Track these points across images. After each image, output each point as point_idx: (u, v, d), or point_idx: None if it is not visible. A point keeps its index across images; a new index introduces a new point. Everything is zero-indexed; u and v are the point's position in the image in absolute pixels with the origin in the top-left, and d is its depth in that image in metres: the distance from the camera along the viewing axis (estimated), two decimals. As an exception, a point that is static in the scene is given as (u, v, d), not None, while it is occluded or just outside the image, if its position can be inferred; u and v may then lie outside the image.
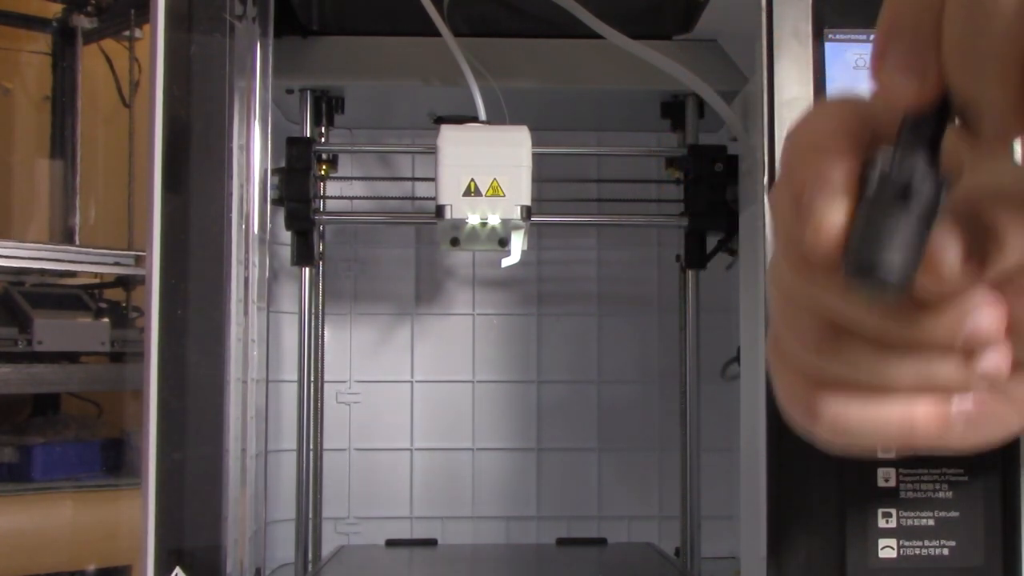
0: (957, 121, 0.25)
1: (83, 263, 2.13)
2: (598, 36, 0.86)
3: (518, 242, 0.85)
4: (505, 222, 0.82)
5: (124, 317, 2.25)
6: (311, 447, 0.94)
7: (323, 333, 1.00)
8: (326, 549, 1.00)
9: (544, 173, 0.93)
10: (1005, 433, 0.30)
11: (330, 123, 0.96)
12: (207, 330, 0.72)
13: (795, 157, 0.27)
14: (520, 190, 0.82)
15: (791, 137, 0.28)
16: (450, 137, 0.82)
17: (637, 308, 1.08)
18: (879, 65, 0.25)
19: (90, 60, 2.45)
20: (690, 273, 0.94)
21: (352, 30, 0.93)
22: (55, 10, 2.42)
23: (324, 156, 0.93)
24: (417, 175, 1.06)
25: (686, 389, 0.94)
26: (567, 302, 1.09)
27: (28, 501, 1.97)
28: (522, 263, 0.88)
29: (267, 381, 0.80)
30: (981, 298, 0.26)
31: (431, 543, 1.05)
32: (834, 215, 0.25)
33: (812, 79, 0.69)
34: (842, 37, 0.70)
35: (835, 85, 0.69)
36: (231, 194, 0.74)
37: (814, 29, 0.69)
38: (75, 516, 1.96)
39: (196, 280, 0.72)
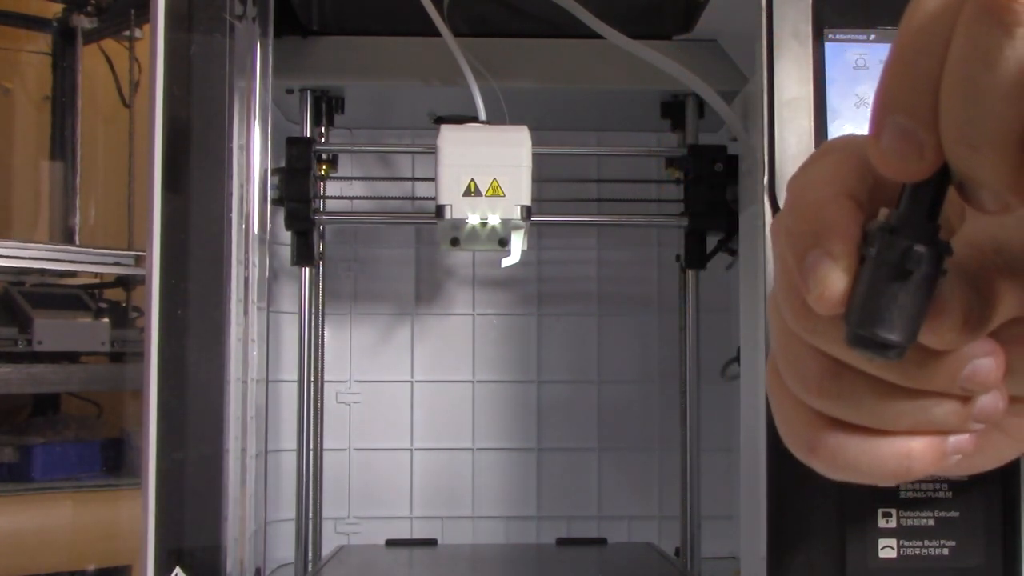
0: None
1: (83, 263, 2.14)
2: (598, 36, 0.86)
3: (518, 242, 0.85)
4: (505, 222, 0.82)
5: (124, 317, 2.25)
6: (311, 447, 0.94)
7: (323, 333, 1.00)
8: (326, 549, 1.00)
9: (544, 173, 0.93)
10: (1000, 462, 0.30)
11: (330, 123, 0.96)
12: (207, 330, 0.72)
13: (797, 212, 0.28)
14: (520, 190, 0.82)
15: (793, 187, 0.29)
16: (450, 137, 0.82)
17: (637, 308, 1.08)
18: (876, 139, 0.25)
19: (90, 60, 2.45)
20: (690, 273, 0.94)
21: (352, 30, 0.93)
22: (55, 10, 2.42)
23: (324, 156, 0.93)
24: (417, 175, 1.06)
25: (686, 389, 0.94)
26: (567, 302, 1.09)
27: (28, 501, 1.97)
28: (522, 263, 0.88)
29: (267, 381, 0.80)
30: (980, 347, 0.27)
31: (431, 543, 1.05)
32: (835, 282, 0.26)
33: (812, 79, 0.69)
34: (842, 37, 0.70)
35: (835, 85, 0.69)
36: (231, 194, 0.74)
37: (814, 29, 0.69)
38: (75, 516, 1.96)
39: (196, 280, 0.73)
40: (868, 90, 0.69)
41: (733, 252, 0.91)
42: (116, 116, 2.49)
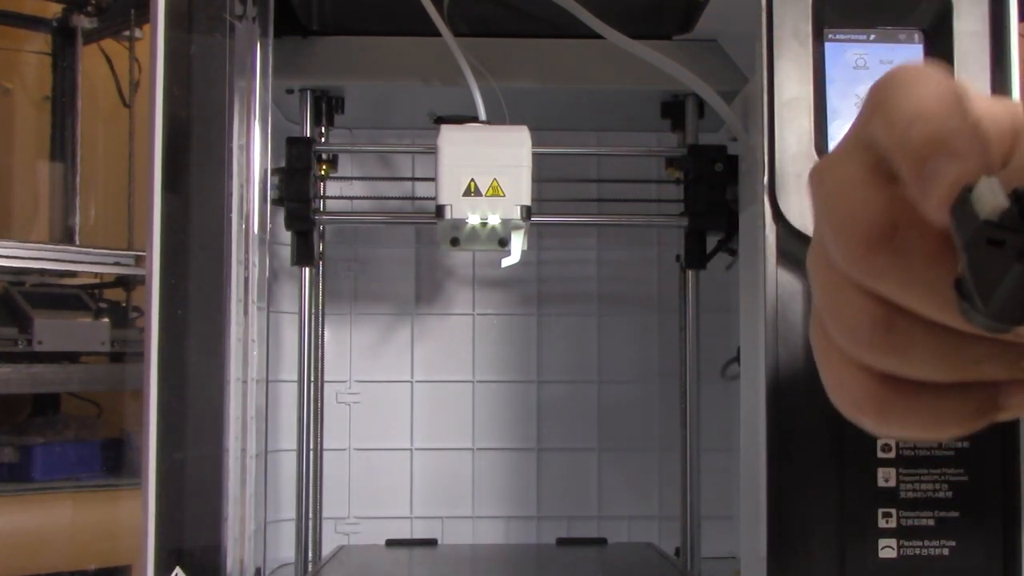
0: None
1: (83, 263, 2.14)
2: (598, 36, 0.86)
3: (518, 242, 0.85)
4: (505, 222, 0.82)
5: (124, 317, 2.25)
6: (311, 447, 0.94)
7: (323, 333, 1.00)
8: (326, 549, 1.00)
9: (544, 173, 0.93)
10: None
11: (330, 123, 0.96)
12: (207, 330, 0.72)
13: (913, 119, 0.26)
14: (520, 190, 0.82)
15: (897, 95, 0.27)
16: (450, 137, 0.82)
17: (637, 308, 1.08)
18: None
19: (90, 60, 2.45)
20: (690, 273, 0.94)
21: (352, 30, 0.93)
22: (55, 10, 2.42)
23: (324, 156, 0.93)
24: (417, 175, 1.06)
25: (686, 389, 0.94)
26: (567, 302, 1.09)
27: (28, 501, 1.97)
28: (522, 263, 0.88)
29: (267, 381, 0.80)
30: None
31: (431, 543, 1.05)
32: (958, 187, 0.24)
33: (812, 79, 0.69)
34: (842, 37, 0.70)
35: (835, 85, 0.69)
36: (231, 194, 0.74)
37: (814, 29, 0.69)
38: (75, 516, 1.96)
39: (196, 280, 0.73)
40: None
41: (733, 252, 0.91)
42: (116, 116, 2.49)
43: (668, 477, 1.06)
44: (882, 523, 0.67)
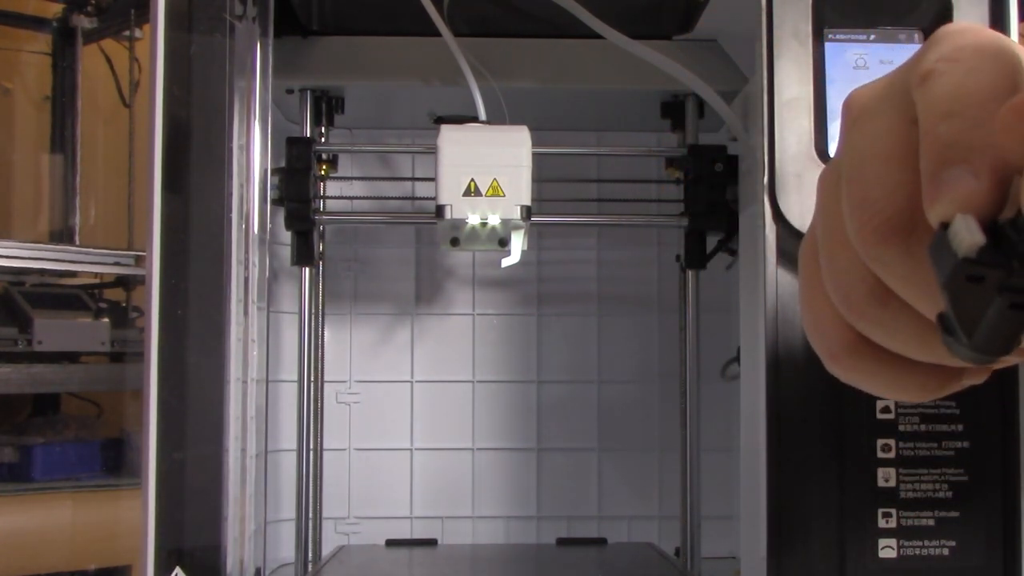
0: None
1: (83, 263, 2.14)
2: (598, 36, 0.86)
3: (518, 242, 0.85)
4: (505, 222, 0.82)
5: (124, 317, 2.25)
6: (311, 447, 0.94)
7: (323, 333, 1.00)
8: (326, 549, 1.00)
9: (544, 173, 0.93)
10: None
11: (330, 123, 0.96)
12: (207, 330, 0.72)
13: (954, 115, 0.25)
14: (520, 190, 0.82)
15: (950, 83, 0.26)
16: (450, 137, 0.82)
17: (637, 308, 1.08)
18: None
19: (90, 60, 2.45)
20: (690, 273, 0.94)
21: (352, 30, 0.93)
22: (55, 10, 2.42)
23: (324, 156, 0.93)
24: (417, 175, 1.06)
25: (686, 389, 0.94)
26: (567, 302, 1.09)
27: (28, 501, 1.97)
28: (522, 263, 0.88)
29: (267, 381, 0.80)
30: None
31: (431, 543, 1.05)
32: (971, 204, 0.24)
33: (812, 79, 0.69)
34: (842, 37, 0.70)
35: (835, 85, 0.69)
36: (231, 194, 0.74)
37: (814, 29, 0.69)
38: (75, 516, 1.96)
39: (196, 280, 0.73)
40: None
41: (733, 252, 0.91)
42: (116, 116, 2.49)
43: (668, 477, 1.06)
44: (882, 523, 0.67)
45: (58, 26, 2.42)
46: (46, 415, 2.20)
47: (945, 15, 0.69)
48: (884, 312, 0.27)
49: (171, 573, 0.70)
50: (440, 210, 0.82)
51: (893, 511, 0.67)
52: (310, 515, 0.93)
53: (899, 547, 0.67)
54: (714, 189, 0.89)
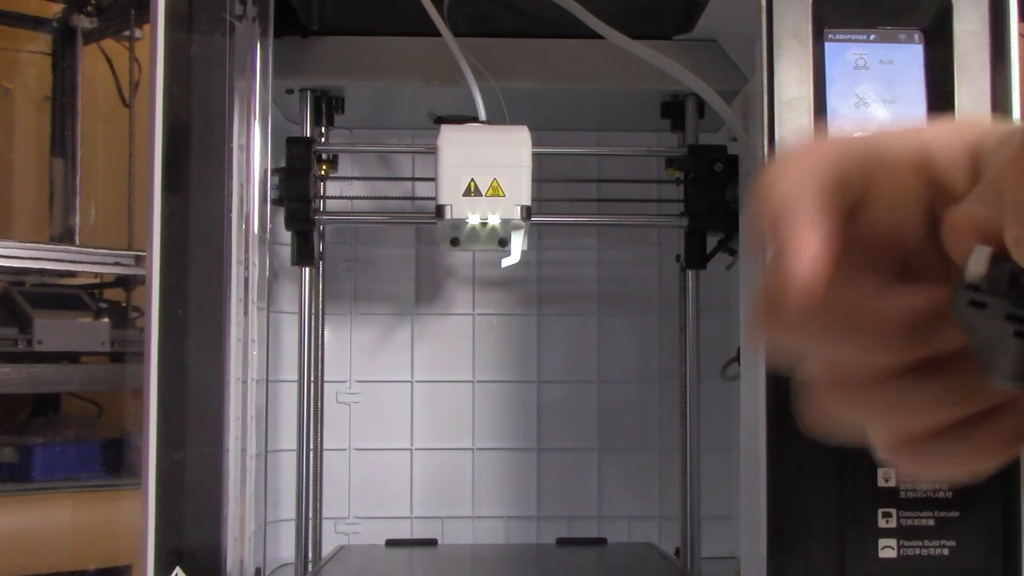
0: None
1: (83, 263, 2.14)
2: (598, 36, 0.86)
3: (518, 242, 0.85)
4: (505, 222, 0.82)
5: (124, 317, 2.25)
6: (311, 447, 0.94)
7: (323, 333, 1.00)
8: (326, 549, 1.00)
9: (544, 173, 0.93)
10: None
11: (330, 123, 0.96)
12: (207, 330, 0.72)
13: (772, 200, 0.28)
14: (520, 190, 0.82)
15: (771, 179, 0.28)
16: (450, 137, 0.82)
17: (637, 308, 1.08)
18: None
19: (90, 60, 2.45)
20: (690, 273, 0.94)
21: (352, 30, 0.93)
22: (55, 10, 2.42)
23: (324, 156, 0.93)
24: (417, 175, 1.06)
25: (686, 389, 0.94)
26: (567, 302, 1.09)
27: (28, 501, 1.97)
28: (522, 263, 0.88)
29: (267, 381, 0.80)
30: None
31: (431, 543, 1.05)
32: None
33: (812, 79, 0.69)
34: (842, 37, 0.70)
35: (835, 85, 0.69)
36: (231, 194, 0.74)
37: (814, 29, 0.69)
38: (75, 516, 1.96)
39: (196, 280, 0.73)
40: (868, 90, 0.69)
41: (733, 252, 0.91)
42: (116, 116, 2.49)
43: (668, 477, 1.06)
44: (882, 523, 0.67)
45: (58, 26, 2.42)
46: (46, 415, 2.20)
47: (945, 15, 0.69)
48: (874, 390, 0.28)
49: (171, 573, 0.70)
50: (440, 210, 0.82)
51: (893, 511, 0.67)
52: (310, 515, 0.93)
53: (899, 547, 0.67)
54: (714, 189, 0.89)
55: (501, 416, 1.08)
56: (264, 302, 0.79)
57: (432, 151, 0.83)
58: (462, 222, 0.82)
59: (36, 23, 2.45)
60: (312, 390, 0.94)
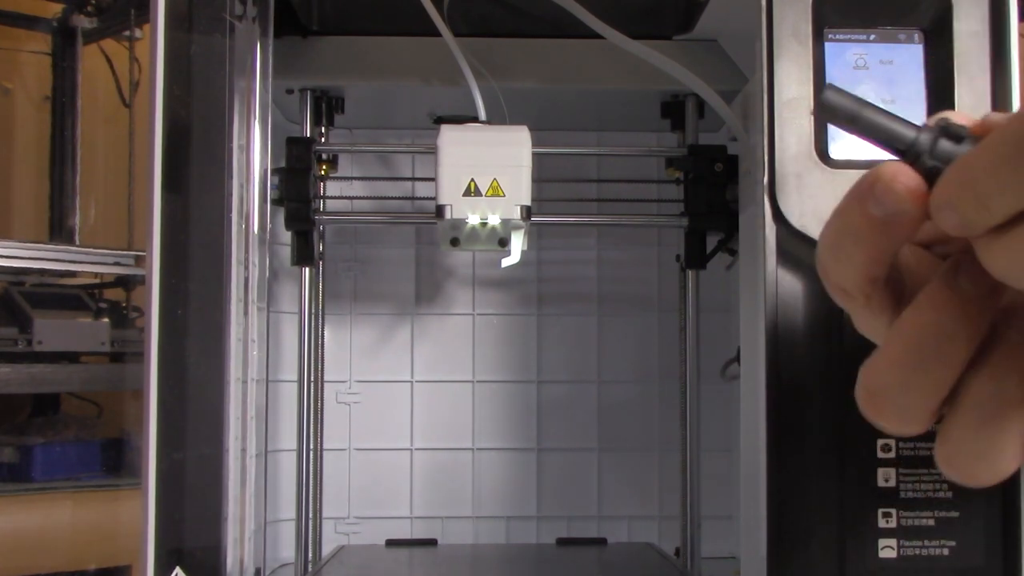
0: None
1: (83, 263, 2.14)
2: (598, 36, 0.86)
3: (518, 242, 0.85)
4: (505, 222, 0.82)
5: (124, 317, 2.25)
6: (311, 447, 0.94)
7: (323, 333, 1.00)
8: (326, 549, 1.00)
9: (544, 173, 0.93)
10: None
11: (330, 123, 0.96)
12: (207, 330, 0.72)
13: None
14: (520, 190, 0.82)
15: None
16: (450, 137, 0.82)
17: (637, 308, 1.08)
18: None
19: (90, 60, 2.45)
20: (690, 273, 0.94)
21: (352, 30, 0.93)
22: (55, 10, 2.42)
23: (324, 156, 0.93)
24: (417, 175, 1.06)
25: (686, 389, 0.94)
26: (567, 302, 1.09)
27: (28, 501, 1.97)
28: (522, 263, 0.88)
29: (267, 381, 0.80)
30: None
31: (431, 543, 1.05)
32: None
33: (812, 79, 0.69)
34: (842, 37, 0.70)
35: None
36: (231, 194, 0.74)
37: (814, 29, 0.69)
38: (75, 516, 1.96)
39: (196, 280, 0.72)
40: (868, 90, 0.69)
41: (733, 252, 0.91)
42: (116, 116, 2.49)
43: (668, 477, 1.06)
44: (882, 523, 0.67)
45: (58, 26, 2.42)
46: (46, 415, 2.20)
47: (945, 15, 0.69)
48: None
49: (171, 573, 0.70)
50: (440, 210, 0.82)
51: (893, 511, 0.67)
52: (310, 515, 0.93)
53: (899, 547, 0.67)
54: (714, 189, 0.89)
55: (501, 416, 1.08)
56: (264, 302, 0.79)
57: (432, 151, 0.83)
58: (462, 222, 0.82)
59: (36, 23, 2.45)
60: (312, 390, 0.94)
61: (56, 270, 2.12)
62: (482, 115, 0.87)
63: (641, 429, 1.08)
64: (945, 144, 0.29)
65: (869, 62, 0.69)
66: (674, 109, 0.95)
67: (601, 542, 1.05)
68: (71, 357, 2.07)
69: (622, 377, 1.08)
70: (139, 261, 2.14)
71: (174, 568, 0.70)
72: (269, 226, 0.80)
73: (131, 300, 2.30)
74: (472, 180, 0.81)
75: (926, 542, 0.67)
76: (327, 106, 0.95)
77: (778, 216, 0.68)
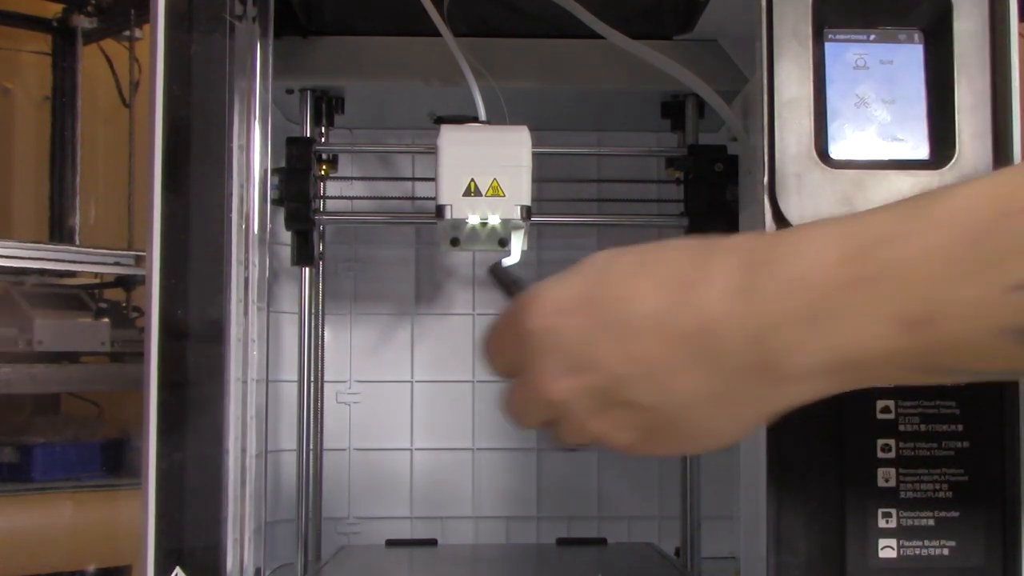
0: None
1: (83, 263, 2.14)
2: (598, 36, 0.86)
3: (518, 242, 0.85)
4: (505, 222, 0.82)
5: (124, 317, 2.25)
6: (311, 447, 0.94)
7: (323, 333, 1.00)
8: (326, 549, 1.00)
9: (544, 173, 0.93)
10: None
11: (330, 123, 0.96)
12: (207, 330, 0.72)
13: None
14: (520, 190, 0.82)
15: None
16: (450, 137, 0.82)
17: (637, 308, 1.08)
18: None
19: (90, 60, 2.45)
20: (690, 273, 0.93)
21: (352, 30, 0.93)
22: (55, 10, 2.42)
23: (324, 156, 0.93)
24: (417, 175, 1.06)
25: (686, 389, 0.94)
26: (567, 302, 1.08)
27: (28, 501, 1.97)
28: (522, 263, 0.88)
29: (267, 381, 0.80)
30: None
31: (431, 543, 1.05)
32: None
33: (812, 79, 0.69)
34: (842, 37, 0.70)
35: (835, 85, 0.69)
36: (231, 194, 0.74)
37: (814, 29, 0.69)
38: (75, 516, 1.96)
39: (196, 280, 0.72)
40: (868, 90, 0.69)
41: (733, 252, 0.91)
42: (116, 116, 2.49)
43: (668, 477, 1.06)
44: (882, 523, 0.67)
45: (58, 26, 2.42)
46: (46, 415, 2.20)
47: (945, 15, 0.69)
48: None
49: (171, 573, 0.70)
50: (440, 210, 0.82)
51: (893, 511, 0.67)
52: (310, 515, 0.94)
53: (899, 547, 0.67)
54: (714, 189, 0.89)
55: (501, 416, 1.07)
56: (264, 302, 0.78)
57: (432, 151, 0.83)
58: (462, 222, 0.82)
59: (36, 23, 2.46)
60: (312, 390, 0.94)
61: (56, 270, 2.12)
62: (482, 115, 0.87)
63: (641, 429, 1.07)
64: None
65: (869, 62, 0.69)
66: (674, 109, 0.95)
67: (601, 542, 1.05)
68: (71, 357, 2.07)
69: (622, 377, 1.08)
70: (139, 261, 2.14)
71: (174, 568, 0.70)
72: (269, 226, 0.80)
73: (131, 300, 2.30)
74: (472, 180, 0.81)
75: (926, 542, 0.67)
76: (327, 106, 0.95)
77: (778, 216, 0.68)
